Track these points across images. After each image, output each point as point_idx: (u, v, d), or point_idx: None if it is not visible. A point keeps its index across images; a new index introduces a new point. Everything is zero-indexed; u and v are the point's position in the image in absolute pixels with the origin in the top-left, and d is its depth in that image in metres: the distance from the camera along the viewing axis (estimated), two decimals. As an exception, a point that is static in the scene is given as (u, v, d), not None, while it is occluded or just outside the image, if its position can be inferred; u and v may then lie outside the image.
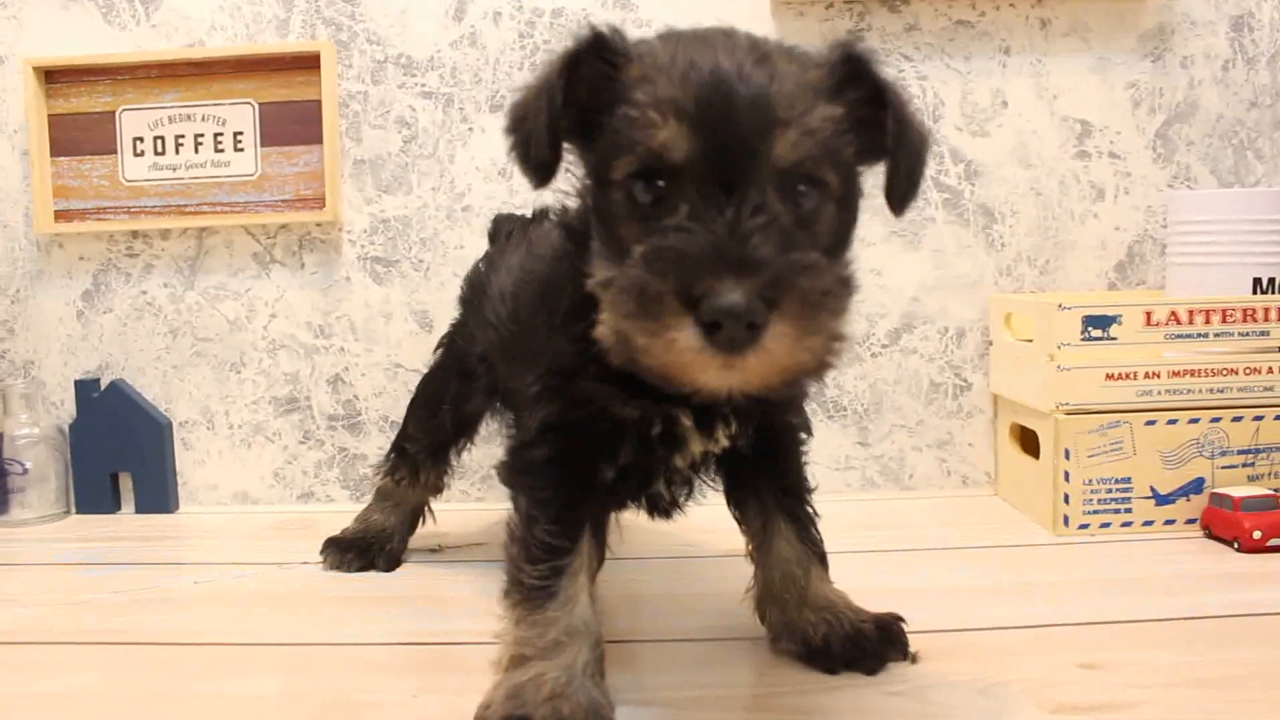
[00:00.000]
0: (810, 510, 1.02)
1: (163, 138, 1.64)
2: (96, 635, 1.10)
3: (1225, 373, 1.37)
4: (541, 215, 1.23)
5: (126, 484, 1.65)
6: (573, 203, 0.90)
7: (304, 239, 1.65)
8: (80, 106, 1.64)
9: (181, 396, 1.67)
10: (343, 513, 1.40)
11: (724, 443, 0.91)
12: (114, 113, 1.63)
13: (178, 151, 1.64)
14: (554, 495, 0.89)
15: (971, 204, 1.63)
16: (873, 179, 0.84)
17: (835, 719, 0.84)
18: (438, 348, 1.35)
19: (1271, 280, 1.43)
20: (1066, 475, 1.37)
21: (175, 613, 1.17)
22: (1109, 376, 1.36)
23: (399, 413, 1.40)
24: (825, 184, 0.78)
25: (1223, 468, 1.37)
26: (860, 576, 1.10)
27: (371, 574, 1.30)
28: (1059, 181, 1.63)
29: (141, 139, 1.64)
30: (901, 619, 0.99)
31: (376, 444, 1.62)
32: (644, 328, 0.71)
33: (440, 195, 1.63)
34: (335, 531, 1.36)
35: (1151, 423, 1.36)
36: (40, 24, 1.63)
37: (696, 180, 0.73)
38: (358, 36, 1.61)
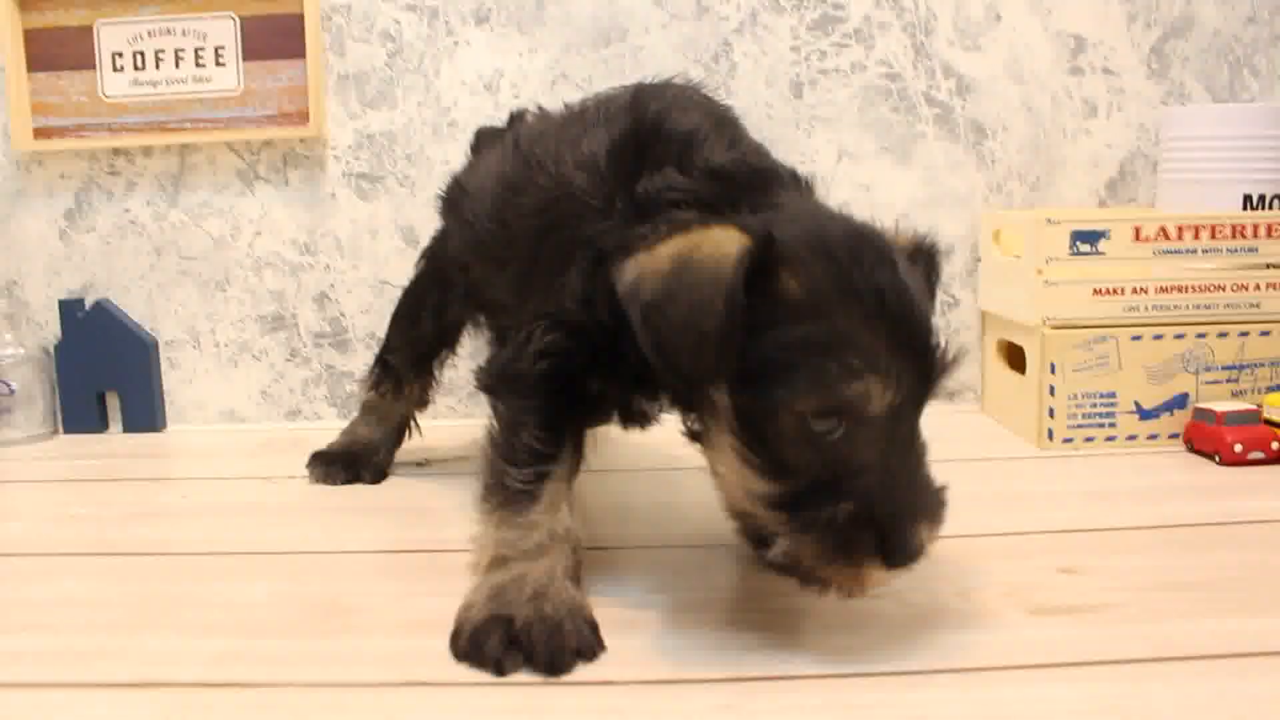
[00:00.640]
0: None
1: (142, 53, 1.60)
2: (88, 546, 1.10)
3: (1213, 289, 1.37)
4: (518, 117, 1.22)
5: (114, 403, 1.65)
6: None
7: (288, 155, 1.62)
8: (57, 20, 1.60)
9: (167, 315, 1.66)
10: (330, 430, 1.40)
11: None
12: (91, 26, 1.60)
13: (158, 67, 1.60)
14: (543, 404, 0.89)
15: (963, 120, 1.61)
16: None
17: (816, 620, 0.86)
18: (420, 259, 1.34)
19: (1262, 197, 1.42)
20: (1052, 389, 1.37)
21: (165, 525, 1.18)
22: (1096, 291, 1.36)
23: (385, 330, 1.39)
24: None
25: (1207, 383, 1.37)
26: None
27: (358, 486, 1.31)
28: (1051, 98, 1.61)
29: (121, 54, 1.60)
30: None
31: (363, 361, 1.61)
32: (836, 570, 0.75)
33: (426, 110, 1.60)
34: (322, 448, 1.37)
35: (1138, 338, 1.36)
36: (12, -67, 1.59)
37: (880, 422, 0.74)
38: (339, -54, 1.58)
